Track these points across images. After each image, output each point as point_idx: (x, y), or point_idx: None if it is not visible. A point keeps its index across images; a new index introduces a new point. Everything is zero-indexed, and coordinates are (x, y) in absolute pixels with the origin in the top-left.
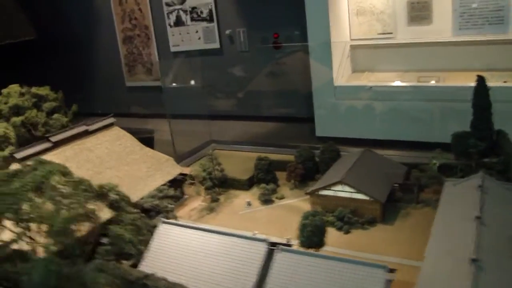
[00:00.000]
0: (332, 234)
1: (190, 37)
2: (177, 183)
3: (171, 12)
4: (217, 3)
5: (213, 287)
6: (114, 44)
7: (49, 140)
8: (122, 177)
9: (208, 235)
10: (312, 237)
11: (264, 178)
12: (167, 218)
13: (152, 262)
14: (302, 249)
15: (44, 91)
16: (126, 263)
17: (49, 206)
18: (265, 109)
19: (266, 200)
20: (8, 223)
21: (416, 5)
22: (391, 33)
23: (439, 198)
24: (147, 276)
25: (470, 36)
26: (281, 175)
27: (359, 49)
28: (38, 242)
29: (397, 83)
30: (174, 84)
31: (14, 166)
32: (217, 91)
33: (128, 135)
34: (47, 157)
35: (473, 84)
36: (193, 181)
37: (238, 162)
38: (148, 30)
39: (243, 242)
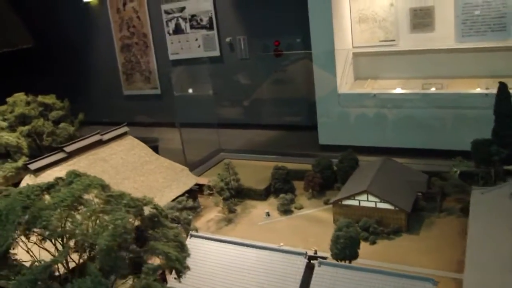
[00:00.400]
0: None
1: (190, 45)
2: (192, 193)
3: (170, 20)
4: (217, 10)
5: None
6: (111, 52)
7: (63, 150)
8: (139, 188)
9: (241, 248)
10: (345, 249)
11: (282, 188)
12: (187, 230)
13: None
14: (339, 262)
15: (50, 99)
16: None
17: (88, 222)
18: (266, 117)
19: (286, 210)
20: (46, 241)
21: (419, 12)
22: (393, 40)
23: (462, 206)
24: None
25: (473, 43)
26: (296, 185)
27: (361, 57)
28: (81, 261)
29: (402, 90)
30: (175, 92)
31: (28, 178)
32: (222, 99)
33: (142, 144)
34: (62, 168)
35: (478, 90)
36: (211, 192)
37: (250, 171)
38: (146, 38)
39: (281, 255)
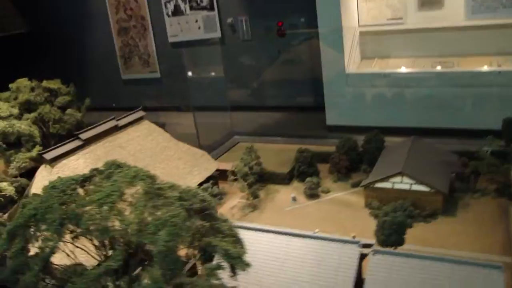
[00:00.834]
0: None
1: (190, 27)
2: (213, 179)
3: (168, 1)
4: None
5: None
6: (108, 36)
7: (79, 138)
8: (160, 175)
9: (286, 238)
10: (392, 235)
11: (306, 171)
12: None
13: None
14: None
15: (55, 84)
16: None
17: (136, 219)
18: (271, 99)
19: (312, 194)
20: (88, 242)
21: None
22: (401, 18)
23: (497, 187)
24: None
25: (484, 20)
26: (320, 167)
27: (368, 36)
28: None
29: (413, 69)
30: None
31: (44, 168)
32: (226, 82)
33: (159, 129)
34: (78, 157)
35: (491, 68)
36: (235, 177)
37: (269, 155)
38: (144, 21)
39: (331, 245)
